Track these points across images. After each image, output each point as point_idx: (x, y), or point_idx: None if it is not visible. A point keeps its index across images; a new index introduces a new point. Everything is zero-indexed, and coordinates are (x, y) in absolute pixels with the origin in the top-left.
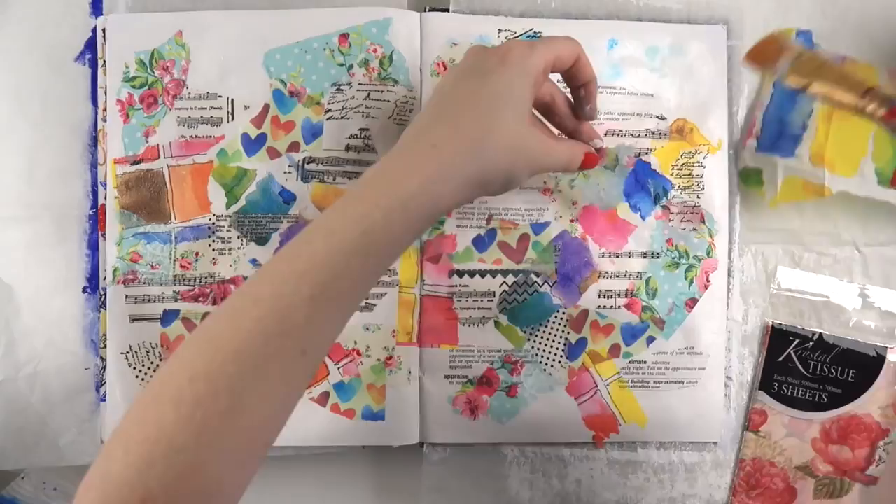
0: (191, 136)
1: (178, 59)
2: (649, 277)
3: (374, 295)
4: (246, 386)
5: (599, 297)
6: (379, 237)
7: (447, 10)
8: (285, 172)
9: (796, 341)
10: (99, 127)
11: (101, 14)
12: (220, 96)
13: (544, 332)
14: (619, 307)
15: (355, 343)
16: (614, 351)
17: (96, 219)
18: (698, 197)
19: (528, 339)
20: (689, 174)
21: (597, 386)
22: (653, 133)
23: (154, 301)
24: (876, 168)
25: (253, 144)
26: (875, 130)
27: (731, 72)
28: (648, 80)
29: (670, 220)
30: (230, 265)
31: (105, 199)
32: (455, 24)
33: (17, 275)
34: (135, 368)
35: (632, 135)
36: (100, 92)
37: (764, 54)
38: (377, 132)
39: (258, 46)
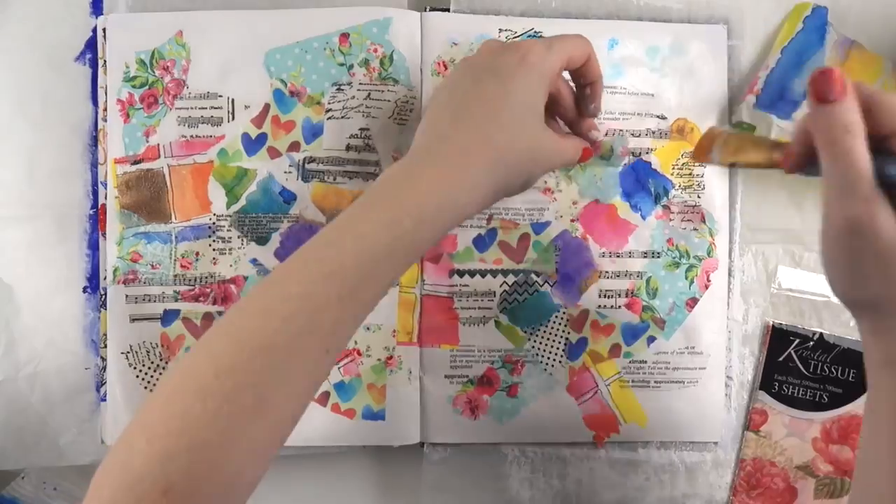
0: (191, 136)
1: (179, 58)
2: (650, 277)
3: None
4: (272, 383)
5: (600, 296)
6: (407, 243)
7: (448, 10)
8: (286, 172)
9: (797, 341)
10: (99, 127)
11: (102, 14)
12: (220, 96)
13: (545, 331)
14: (620, 307)
15: (356, 343)
16: (615, 351)
17: (97, 218)
18: (699, 196)
19: (529, 339)
20: (690, 174)
21: (597, 386)
22: (653, 133)
23: (154, 301)
24: None
25: (253, 144)
26: None
27: (732, 72)
28: (649, 80)
29: (671, 220)
30: (230, 265)
31: (105, 198)
32: (455, 23)
33: (18, 275)
34: (135, 368)
35: (632, 134)
36: (100, 92)
37: (701, 149)
38: (377, 132)
39: (258, 46)
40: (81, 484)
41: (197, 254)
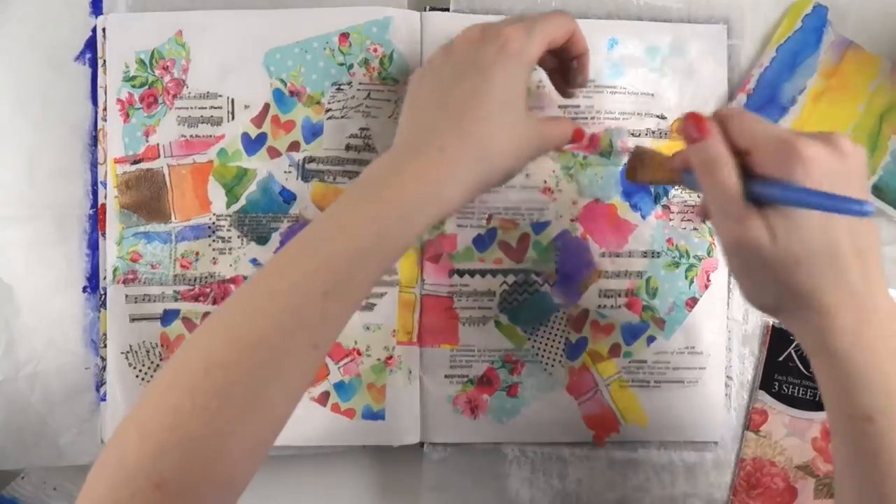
0: (191, 136)
1: (179, 58)
2: (650, 277)
3: (374, 294)
4: (262, 377)
5: (600, 296)
6: (393, 237)
7: (447, 10)
8: (285, 172)
9: (797, 341)
10: (99, 126)
11: (101, 13)
12: (220, 96)
13: (545, 331)
14: (620, 307)
15: (355, 343)
16: (615, 350)
17: (96, 218)
18: (699, 196)
19: (529, 339)
20: None
21: (597, 385)
22: (653, 132)
23: (154, 301)
24: None
25: (253, 144)
26: (856, 121)
27: (732, 71)
28: (649, 80)
29: (671, 220)
30: (230, 265)
31: (105, 198)
32: (455, 23)
33: (18, 275)
34: (135, 368)
35: (632, 134)
36: (100, 91)
37: (632, 170)
38: (377, 132)
39: (258, 46)
40: (81, 484)
41: (197, 254)
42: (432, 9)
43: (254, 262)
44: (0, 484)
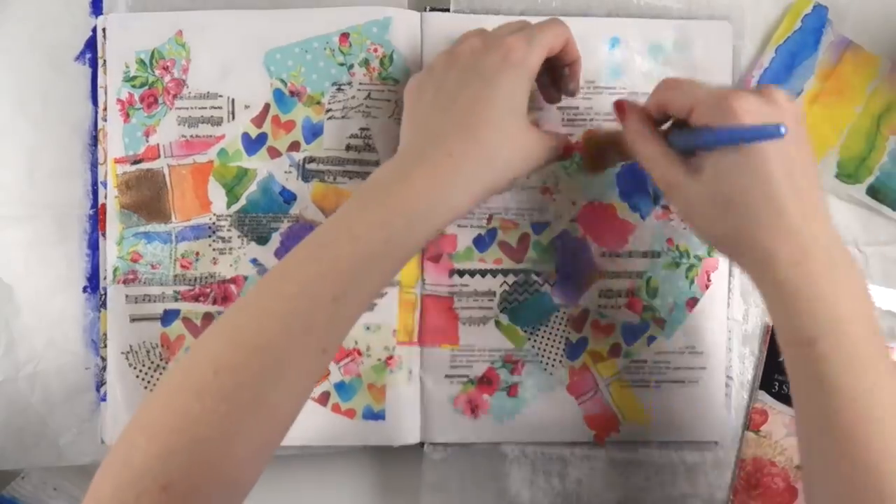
0: (191, 136)
1: (179, 58)
2: (650, 277)
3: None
4: (270, 381)
5: (600, 296)
6: (400, 243)
7: (447, 10)
8: (286, 172)
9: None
10: (99, 126)
11: (101, 13)
12: (220, 96)
13: (545, 331)
14: (620, 307)
15: (356, 343)
16: (615, 350)
17: (96, 218)
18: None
19: (529, 339)
20: None
21: (597, 385)
22: None
23: (154, 301)
24: (839, 160)
25: (253, 144)
26: (852, 123)
27: (733, 72)
28: (650, 79)
29: (671, 220)
30: (231, 265)
31: (105, 198)
32: (455, 23)
33: (18, 275)
34: (135, 368)
35: None
36: (100, 91)
37: (590, 157)
38: (378, 132)
39: (258, 46)
40: (81, 484)
41: (197, 254)
42: (432, 9)
43: (254, 262)
44: (0, 484)
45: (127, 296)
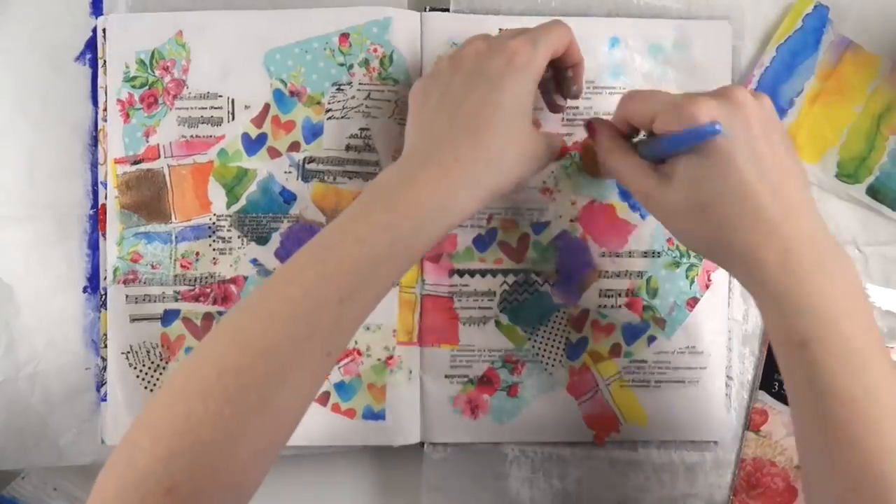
0: (191, 136)
1: (179, 58)
2: (650, 277)
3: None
4: (274, 384)
5: (600, 296)
6: (406, 246)
7: (447, 10)
8: (286, 172)
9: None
10: (99, 127)
11: (102, 14)
12: (220, 96)
13: (545, 331)
14: (620, 306)
15: (356, 343)
16: (615, 350)
17: (97, 218)
18: None
19: (529, 339)
20: None
21: (597, 385)
22: None
23: (154, 301)
24: (839, 160)
25: (253, 144)
26: (852, 122)
27: (733, 72)
28: (650, 78)
29: None
30: (231, 265)
31: (105, 198)
32: (455, 23)
33: (18, 275)
34: (135, 368)
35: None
36: (100, 92)
37: (588, 162)
38: (378, 132)
39: (258, 46)
40: (81, 484)
41: (197, 254)
42: (432, 9)
43: (254, 262)
44: (0, 484)
45: (127, 296)
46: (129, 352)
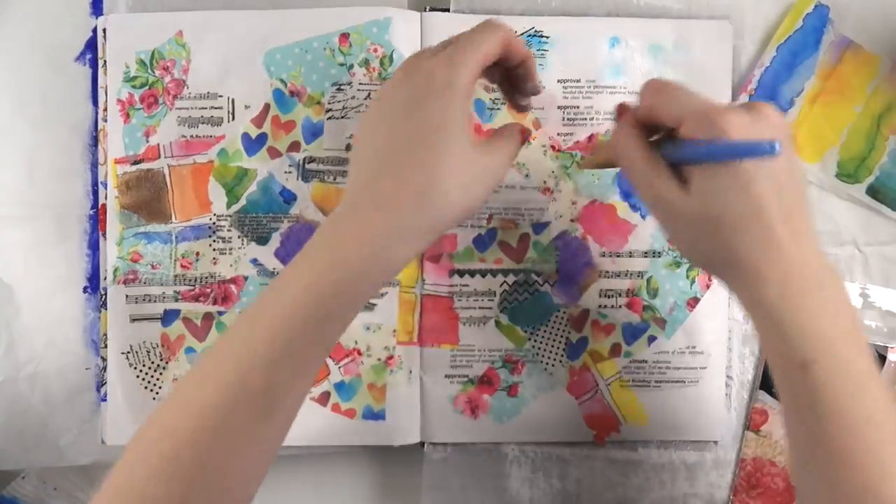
0: (191, 136)
1: (179, 58)
2: (650, 277)
3: (374, 295)
4: (208, 444)
5: (600, 296)
6: (332, 304)
7: (447, 10)
8: (286, 172)
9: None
10: (99, 127)
11: (102, 14)
12: (220, 96)
13: (545, 331)
14: (620, 307)
15: (356, 343)
16: (615, 350)
17: (97, 219)
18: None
19: (529, 339)
20: None
21: (598, 385)
22: None
23: (155, 301)
24: (839, 160)
25: (253, 144)
26: (852, 122)
27: (733, 72)
28: (651, 77)
29: None
30: (231, 265)
31: (105, 198)
32: (455, 23)
33: (18, 275)
34: (136, 368)
35: None
36: (100, 92)
37: (594, 158)
38: None
39: (258, 46)
40: (81, 484)
41: (197, 254)
42: (432, 9)
43: (254, 262)
44: (0, 484)
45: (127, 296)
46: (129, 352)
